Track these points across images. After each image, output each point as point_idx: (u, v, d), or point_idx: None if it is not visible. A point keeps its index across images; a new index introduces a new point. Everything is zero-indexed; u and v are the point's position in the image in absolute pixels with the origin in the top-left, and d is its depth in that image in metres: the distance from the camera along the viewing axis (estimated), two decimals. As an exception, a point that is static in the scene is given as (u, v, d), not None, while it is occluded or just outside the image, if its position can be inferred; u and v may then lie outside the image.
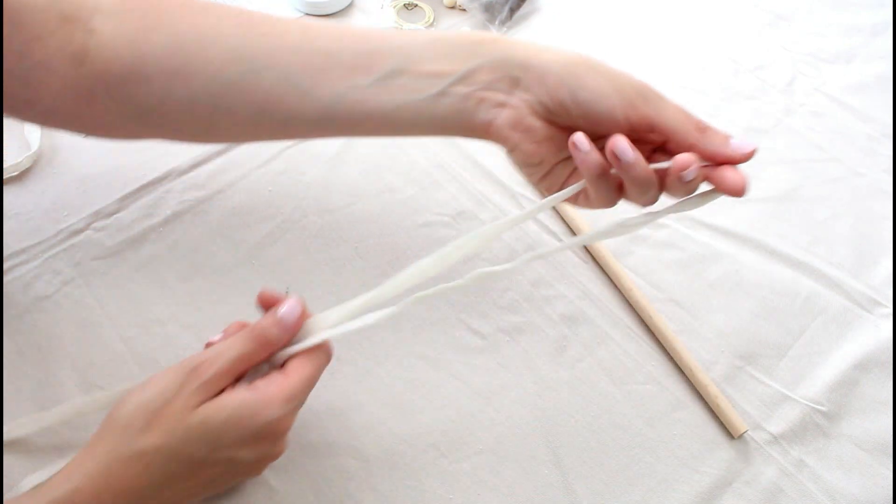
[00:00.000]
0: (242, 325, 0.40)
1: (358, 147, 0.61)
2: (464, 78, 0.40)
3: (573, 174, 0.41)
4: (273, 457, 0.40)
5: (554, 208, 0.58)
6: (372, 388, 0.48)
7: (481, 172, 0.60)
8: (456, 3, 0.74)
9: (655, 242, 0.57)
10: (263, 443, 0.38)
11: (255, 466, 0.40)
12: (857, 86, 0.70)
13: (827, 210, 0.60)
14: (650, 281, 0.54)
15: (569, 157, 0.40)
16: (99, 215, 0.55)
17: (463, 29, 0.71)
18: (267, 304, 0.41)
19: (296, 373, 0.38)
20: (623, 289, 0.53)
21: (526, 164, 0.41)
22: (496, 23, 0.73)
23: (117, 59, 0.42)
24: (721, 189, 0.37)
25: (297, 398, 0.38)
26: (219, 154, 0.59)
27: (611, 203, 0.40)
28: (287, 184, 0.58)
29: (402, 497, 0.44)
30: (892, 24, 0.76)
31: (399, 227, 0.56)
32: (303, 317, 0.40)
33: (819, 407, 0.49)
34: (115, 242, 0.53)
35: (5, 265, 0.52)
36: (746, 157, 0.37)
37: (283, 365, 0.39)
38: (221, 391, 0.37)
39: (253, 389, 0.37)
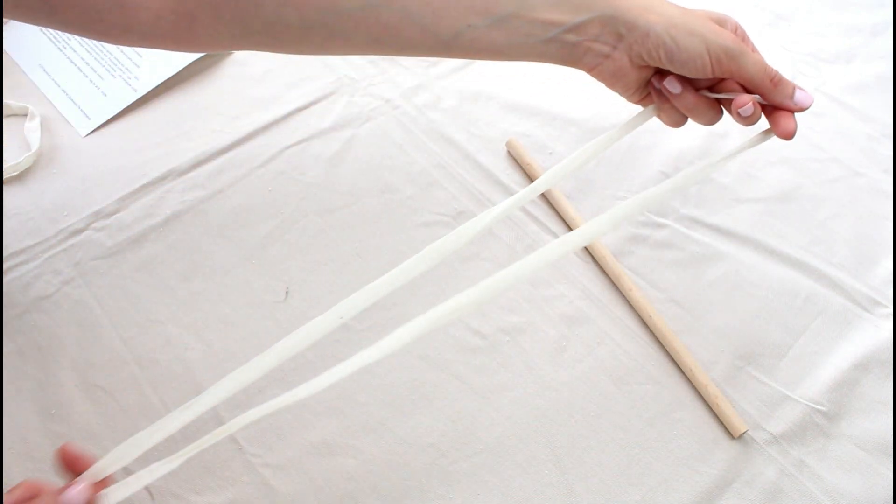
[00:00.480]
0: (32, 488, 0.34)
1: (358, 147, 0.61)
2: (574, 28, 0.43)
3: (648, 92, 0.46)
4: None
5: (554, 209, 0.58)
6: (372, 388, 0.48)
7: (481, 172, 0.60)
8: (456, 3, 0.74)
9: (655, 242, 0.57)
10: None
11: None
12: (857, 86, 0.70)
13: (827, 210, 0.60)
14: (650, 281, 0.54)
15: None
16: (99, 215, 0.55)
17: None
18: (68, 462, 0.35)
19: None
20: (623, 289, 0.53)
21: (613, 88, 0.46)
22: (496, 23, 0.73)
23: None
24: (774, 130, 0.44)
25: None
26: (219, 154, 0.59)
27: (681, 123, 0.47)
28: (287, 184, 0.58)
29: (402, 497, 0.44)
30: (892, 24, 0.76)
31: (399, 227, 0.56)
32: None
33: (819, 407, 0.49)
34: (115, 242, 0.54)
35: (5, 265, 0.52)
36: (803, 108, 0.43)
37: None
38: None
39: None
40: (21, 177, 0.57)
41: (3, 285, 0.51)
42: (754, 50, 0.45)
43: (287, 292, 0.52)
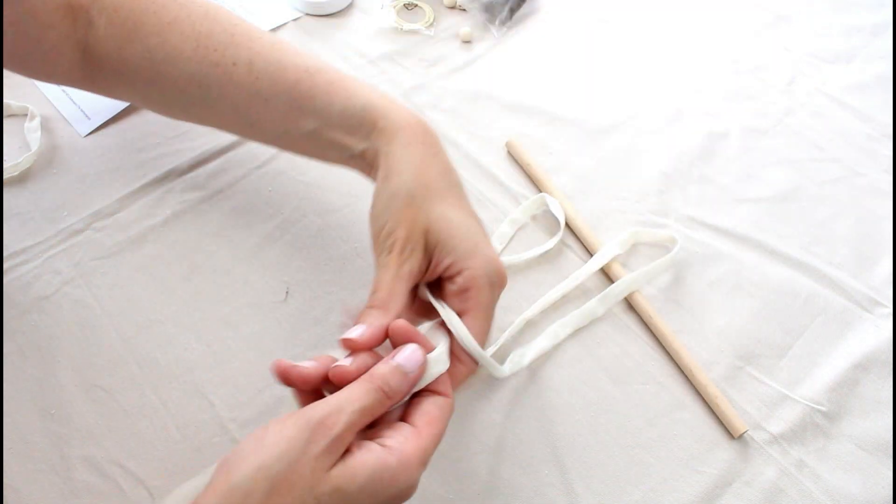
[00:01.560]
0: (332, 359, 0.36)
1: (358, 147, 0.61)
2: (362, 153, 0.45)
3: None
4: None
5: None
6: (372, 388, 0.48)
7: (481, 172, 0.60)
8: (456, 3, 0.75)
9: (655, 242, 0.57)
10: (404, 497, 0.34)
11: None
12: (857, 86, 0.70)
13: (827, 210, 0.60)
14: (650, 281, 0.54)
15: None
16: (99, 215, 0.55)
17: (463, 30, 0.71)
18: (352, 347, 0.37)
19: (428, 430, 0.35)
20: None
21: None
22: (496, 23, 0.73)
23: (108, 58, 0.49)
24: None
25: (429, 456, 0.34)
26: (219, 154, 0.59)
27: None
28: (287, 184, 0.58)
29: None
30: (892, 24, 0.76)
31: (399, 227, 0.56)
32: (424, 364, 0.36)
33: (819, 407, 0.49)
34: (115, 242, 0.53)
35: (5, 265, 0.52)
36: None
37: (407, 411, 0.36)
38: (347, 449, 0.33)
39: (389, 451, 0.33)
40: (21, 177, 0.57)
41: (3, 285, 0.51)
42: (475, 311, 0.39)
43: (287, 292, 0.52)
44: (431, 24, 0.73)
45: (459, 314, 0.39)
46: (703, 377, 0.49)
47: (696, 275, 0.55)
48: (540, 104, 0.66)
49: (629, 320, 0.52)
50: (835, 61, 0.72)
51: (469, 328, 0.39)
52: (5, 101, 0.61)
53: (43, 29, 0.47)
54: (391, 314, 0.38)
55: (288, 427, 0.32)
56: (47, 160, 0.58)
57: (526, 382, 0.49)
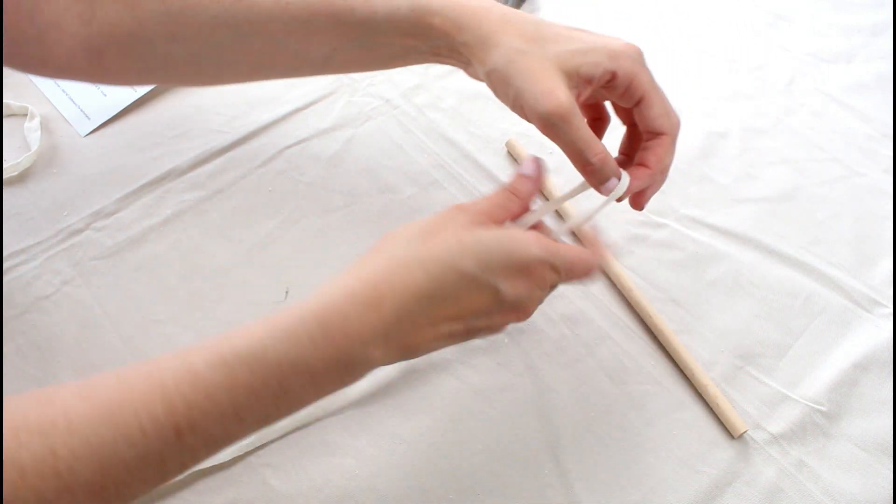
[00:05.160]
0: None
1: (358, 147, 0.61)
2: (427, 50, 0.45)
3: None
4: (525, 311, 0.40)
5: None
6: (372, 388, 0.48)
7: (481, 172, 0.60)
8: (456, 3, 0.74)
9: (655, 242, 0.57)
10: (523, 280, 0.38)
11: (508, 314, 0.39)
12: (857, 86, 0.70)
13: (827, 210, 0.60)
14: (650, 281, 0.54)
15: None
16: (99, 215, 0.55)
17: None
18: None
19: (560, 243, 0.40)
20: (623, 289, 0.53)
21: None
22: (496, 23, 0.72)
23: (120, 23, 0.45)
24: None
25: (555, 257, 0.39)
26: (219, 154, 0.59)
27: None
28: (287, 184, 0.58)
29: (402, 497, 0.44)
30: (892, 24, 0.76)
31: (399, 227, 0.56)
32: (541, 168, 0.42)
33: (819, 407, 0.49)
34: (115, 242, 0.53)
35: (5, 265, 0.52)
36: (616, 196, 0.43)
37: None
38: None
39: (520, 229, 0.40)
40: (21, 177, 0.57)
41: (3, 285, 0.51)
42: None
43: (287, 292, 0.52)
44: (431, 24, 0.72)
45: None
46: (703, 377, 0.49)
47: (696, 275, 0.55)
48: (540, 104, 0.66)
49: (629, 320, 0.52)
50: (835, 61, 0.72)
51: (654, 105, 0.44)
52: (5, 100, 0.61)
53: (38, 3, 0.43)
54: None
55: (434, 214, 0.39)
56: (47, 160, 0.58)
57: (526, 382, 0.49)
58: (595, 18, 0.75)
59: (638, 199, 0.46)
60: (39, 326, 0.49)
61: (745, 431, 0.47)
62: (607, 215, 0.58)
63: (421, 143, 0.62)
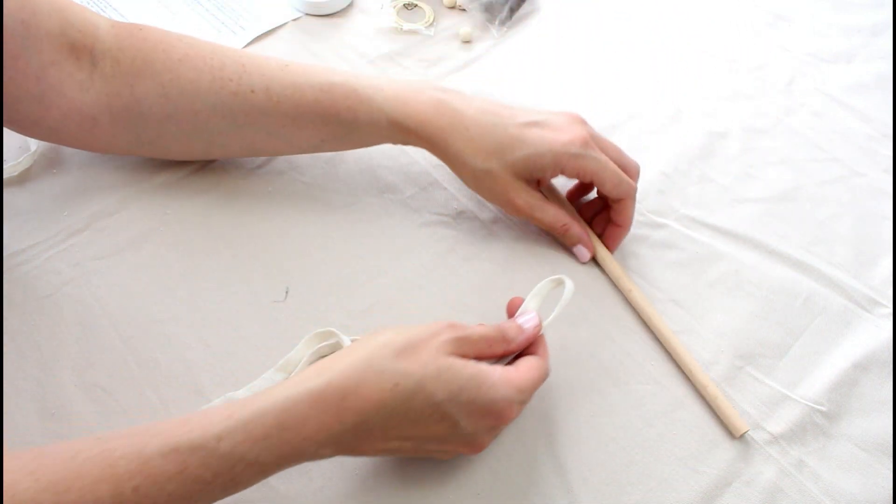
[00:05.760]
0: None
1: (358, 147, 0.61)
2: (404, 142, 0.53)
3: None
4: (479, 446, 0.42)
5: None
6: (372, 388, 0.48)
7: (481, 172, 0.60)
8: (456, 2, 0.74)
9: (655, 242, 0.57)
10: (487, 419, 0.40)
11: (460, 445, 0.41)
12: (857, 86, 0.70)
13: (827, 210, 0.60)
14: (650, 281, 0.54)
15: None
16: (99, 215, 0.55)
17: (462, 30, 0.71)
18: (512, 311, 0.47)
19: (526, 371, 0.42)
20: (623, 289, 0.53)
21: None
22: (496, 23, 0.73)
23: (118, 96, 0.48)
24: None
25: (524, 394, 0.41)
26: (219, 154, 0.59)
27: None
28: (287, 184, 0.58)
29: (403, 497, 0.44)
30: (892, 24, 0.76)
31: (399, 227, 0.56)
32: (538, 328, 0.44)
33: (819, 407, 0.49)
34: (115, 242, 0.53)
35: (5, 265, 0.52)
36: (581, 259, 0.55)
37: (513, 360, 0.43)
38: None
39: (493, 369, 0.40)
40: (21, 177, 0.57)
41: (3, 285, 0.51)
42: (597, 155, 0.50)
43: (287, 292, 0.52)
44: (431, 24, 0.73)
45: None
46: (703, 377, 0.49)
47: (696, 275, 0.55)
48: (540, 104, 0.66)
49: (629, 320, 0.52)
50: (835, 61, 0.72)
51: (605, 182, 0.51)
52: (5, 101, 0.61)
53: (45, 66, 0.46)
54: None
55: (428, 323, 0.40)
56: (47, 160, 0.58)
57: (526, 382, 0.49)
58: (595, 18, 0.75)
59: (611, 249, 0.54)
60: (39, 326, 0.49)
61: (745, 432, 0.47)
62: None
63: (421, 143, 0.62)
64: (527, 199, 0.51)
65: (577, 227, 0.53)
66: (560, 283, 0.46)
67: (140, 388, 0.47)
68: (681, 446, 0.47)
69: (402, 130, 0.50)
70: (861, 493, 0.45)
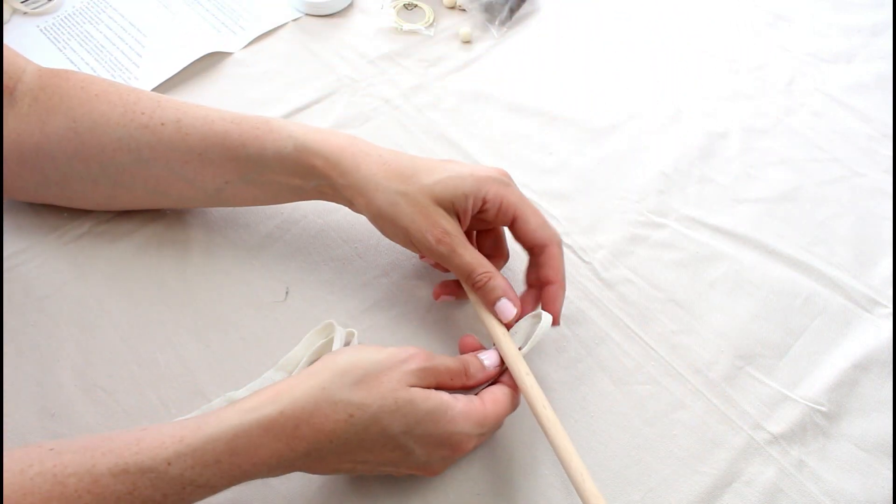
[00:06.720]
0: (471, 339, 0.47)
1: (358, 147, 0.61)
2: (311, 189, 0.48)
3: None
4: (433, 472, 0.42)
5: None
6: (372, 388, 0.48)
7: (481, 172, 0.60)
8: (456, 3, 0.75)
9: (655, 242, 0.57)
10: (442, 450, 0.40)
11: (415, 470, 0.41)
12: (857, 86, 0.70)
13: (827, 210, 0.60)
14: (650, 281, 0.54)
15: None
16: (99, 215, 0.55)
17: (462, 30, 0.71)
18: (466, 348, 0.46)
19: (490, 404, 0.41)
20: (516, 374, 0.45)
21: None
22: (496, 23, 0.73)
23: (29, 135, 0.48)
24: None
25: (485, 427, 0.41)
26: (219, 154, 0.59)
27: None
28: (287, 184, 0.58)
29: (402, 497, 0.44)
30: (892, 24, 0.76)
31: (399, 227, 0.56)
32: (498, 368, 0.44)
33: (819, 407, 0.49)
34: (115, 243, 0.54)
35: (5, 265, 0.52)
36: (504, 319, 0.45)
37: (480, 392, 0.43)
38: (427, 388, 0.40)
39: (456, 399, 0.40)
40: (21, 177, 0.57)
41: (3, 285, 0.51)
42: (521, 212, 0.46)
43: (287, 292, 0.52)
44: (431, 25, 0.73)
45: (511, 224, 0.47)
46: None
47: (696, 275, 0.55)
48: (540, 104, 0.66)
49: (629, 320, 0.52)
50: (835, 61, 0.72)
51: (529, 219, 0.46)
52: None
53: None
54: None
55: (385, 349, 0.40)
56: (47, 160, 0.58)
57: (526, 382, 0.49)
58: (595, 18, 0.75)
59: (555, 316, 0.46)
60: (39, 326, 0.49)
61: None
62: (607, 216, 0.58)
63: (421, 143, 0.62)
64: (447, 227, 0.44)
65: (500, 278, 0.45)
66: (538, 317, 0.45)
67: (140, 388, 0.47)
68: (681, 446, 0.47)
69: (310, 155, 0.46)
70: (861, 494, 0.45)
